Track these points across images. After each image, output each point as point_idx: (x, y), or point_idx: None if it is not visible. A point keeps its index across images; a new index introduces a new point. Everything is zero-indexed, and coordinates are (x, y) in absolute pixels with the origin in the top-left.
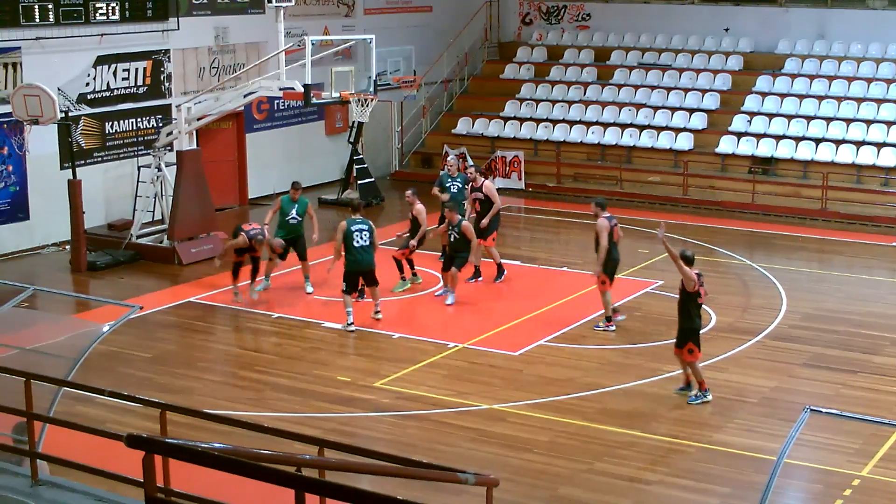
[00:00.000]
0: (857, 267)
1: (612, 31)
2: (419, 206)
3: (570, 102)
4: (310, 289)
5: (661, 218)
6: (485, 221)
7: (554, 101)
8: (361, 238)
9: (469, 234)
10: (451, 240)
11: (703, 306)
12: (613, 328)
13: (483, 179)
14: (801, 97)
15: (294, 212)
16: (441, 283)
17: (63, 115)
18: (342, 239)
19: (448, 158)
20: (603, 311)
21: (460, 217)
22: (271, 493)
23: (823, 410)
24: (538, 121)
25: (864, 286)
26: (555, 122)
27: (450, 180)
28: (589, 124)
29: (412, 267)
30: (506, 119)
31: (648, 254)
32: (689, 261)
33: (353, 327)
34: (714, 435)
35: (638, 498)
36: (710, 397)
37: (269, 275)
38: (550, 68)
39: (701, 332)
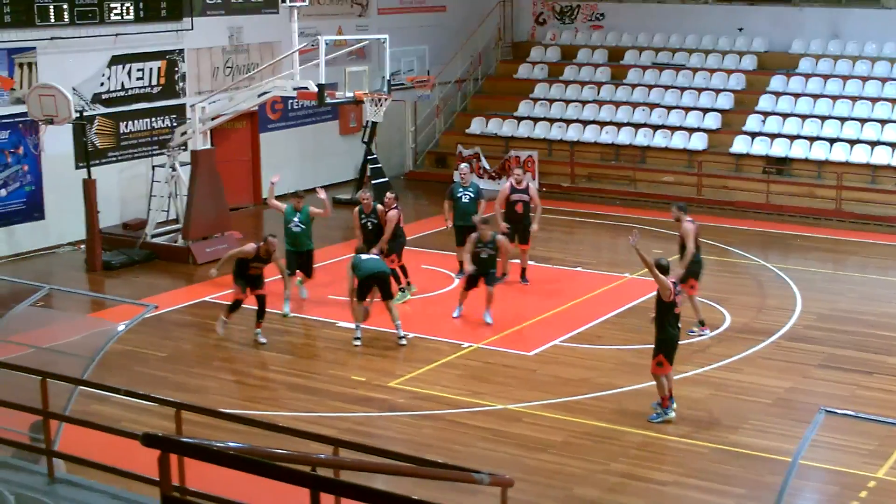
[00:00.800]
0: (872, 267)
1: (626, 31)
2: (392, 213)
3: (584, 102)
4: (304, 293)
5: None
6: (535, 227)
7: (568, 101)
8: (369, 254)
9: (504, 247)
10: (484, 257)
11: (718, 307)
12: (708, 332)
13: (528, 181)
14: (816, 97)
15: (297, 219)
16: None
17: (78, 114)
18: (352, 274)
19: (461, 166)
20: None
21: (494, 232)
22: (286, 493)
23: (838, 411)
24: (552, 120)
25: (879, 287)
26: (568, 121)
27: (461, 190)
28: (603, 124)
29: (406, 275)
30: (519, 119)
31: (662, 253)
32: (664, 269)
33: (358, 343)
34: (729, 436)
35: (653, 499)
36: (672, 415)
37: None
38: (564, 68)
39: (678, 342)
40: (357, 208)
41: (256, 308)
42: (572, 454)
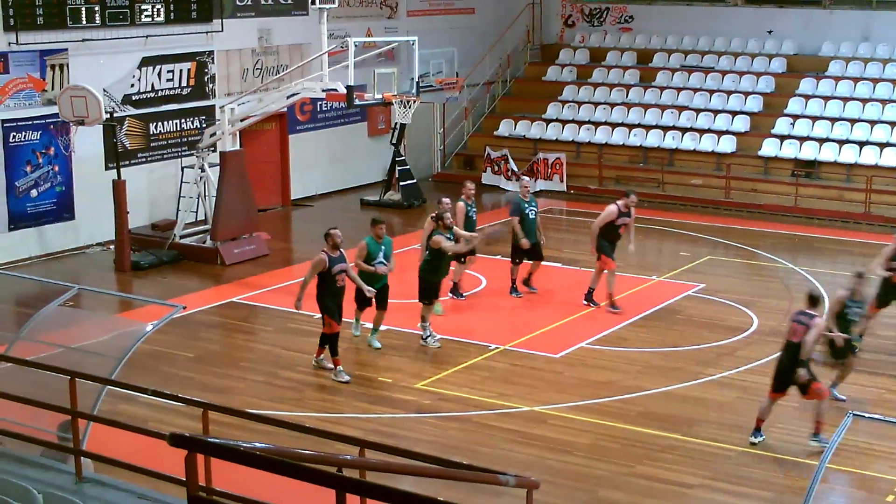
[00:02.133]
0: None
1: (655, 34)
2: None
3: (613, 105)
4: (377, 344)
5: (703, 221)
6: (633, 247)
7: (596, 104)
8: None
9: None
10: (853, 320)
11: (746, 310)
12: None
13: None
14: (846, 100)
15: (381, 255)
16: None
17: (108, 116)
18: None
19: (523, 179)
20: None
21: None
22: (312, 494)
23: (866, 415)
24: (580, 123)
25: None
26: (597, 124)
27: (527, 206)
28: (631, 126)
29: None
30: (548, 121)
31: (690, 257)
32: (816, 301)
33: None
34: (755, 439)
35: (678, 501)
36: (755, 439)
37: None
38: (593, 70)
39: (781, 372)
40: (433, 220)
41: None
42: (598, 456)
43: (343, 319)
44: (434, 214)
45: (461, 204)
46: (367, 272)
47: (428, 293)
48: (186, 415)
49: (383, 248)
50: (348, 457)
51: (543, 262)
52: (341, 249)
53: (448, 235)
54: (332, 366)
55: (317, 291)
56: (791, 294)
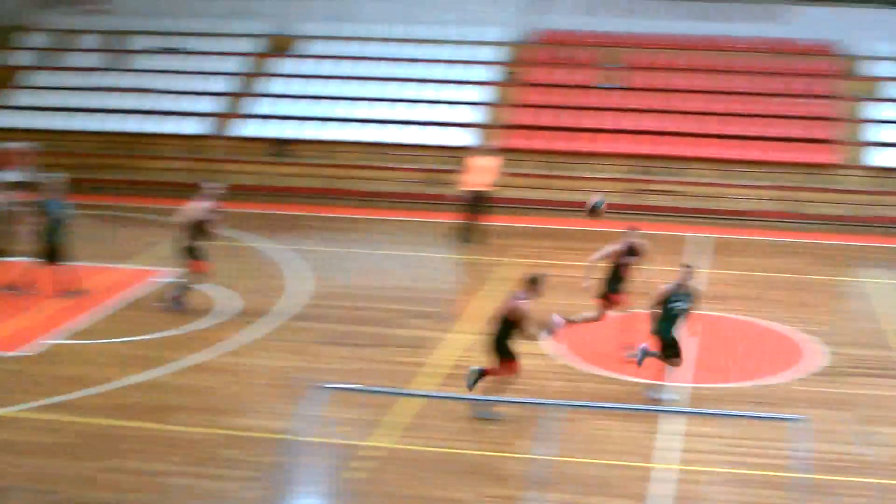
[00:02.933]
0: (378, 243)
1: (131, 15)
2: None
3: (84, 89)
4: None
5: (174, 205)
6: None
7: (65, 89)
8: None
9: None
10: None
11: (229, 291)
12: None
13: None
14: (323, 77)
15: None
16: None
17: None
18: None
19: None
20: None
21: None
22: None
23: (338, 386)
24: (47, 109)
25: (384, 261)
26: (67, 110)
27: (52, 205)
28: (105, 112)
29: None
30: (10, 108)
31: (162, 242)
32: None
33: None
34: (235, 420)
35: (158, 491)
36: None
37: None
38: (61, 54)
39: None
40: None
41: None
42: (72, 456)
43: None
44: None
45: None
46: None
47: None
48: None
49: None
50: None
51: None
52: None
53: None
54: None
55: None
56: (271, 272)
